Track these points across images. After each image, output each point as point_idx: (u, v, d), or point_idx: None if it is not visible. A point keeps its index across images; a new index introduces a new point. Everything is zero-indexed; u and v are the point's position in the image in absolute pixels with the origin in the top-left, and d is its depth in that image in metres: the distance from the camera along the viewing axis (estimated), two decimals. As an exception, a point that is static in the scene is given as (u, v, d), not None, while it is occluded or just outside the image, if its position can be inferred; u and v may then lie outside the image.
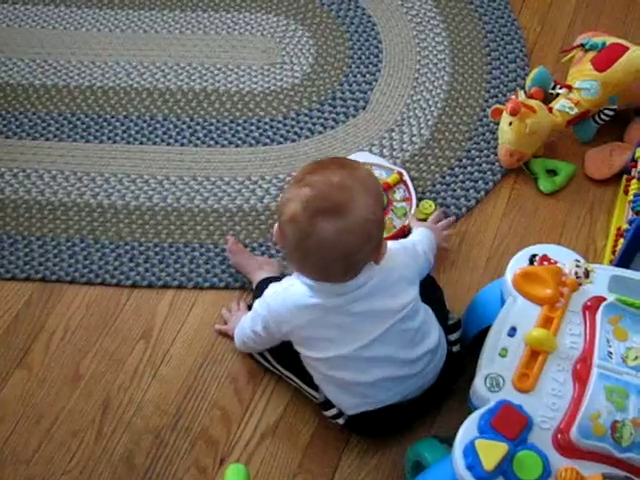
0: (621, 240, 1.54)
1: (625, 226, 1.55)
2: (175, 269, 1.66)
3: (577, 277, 1.22)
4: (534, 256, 1.27)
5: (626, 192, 1.66)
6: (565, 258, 1.26)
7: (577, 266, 1.23)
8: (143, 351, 1.56)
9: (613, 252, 1.57)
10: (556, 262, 1.25)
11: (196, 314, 1.60)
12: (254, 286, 1.56)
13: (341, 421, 1.39)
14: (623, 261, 1.45)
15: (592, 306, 1.19)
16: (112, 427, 1.47)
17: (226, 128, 1.88)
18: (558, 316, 1.18)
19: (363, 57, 2.00)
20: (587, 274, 1.23)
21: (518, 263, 1.26)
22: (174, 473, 1.42)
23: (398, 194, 1.68)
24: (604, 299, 1.19)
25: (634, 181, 1.60)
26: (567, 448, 1.06)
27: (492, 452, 1.03)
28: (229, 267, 1.65)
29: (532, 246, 1.29)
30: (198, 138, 1.86)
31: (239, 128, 1.88)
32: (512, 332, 1.17)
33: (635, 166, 1.63)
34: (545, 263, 1.25)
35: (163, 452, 1.44)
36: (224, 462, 1.42)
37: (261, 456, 1.42)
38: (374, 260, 1.22)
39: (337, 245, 1.15)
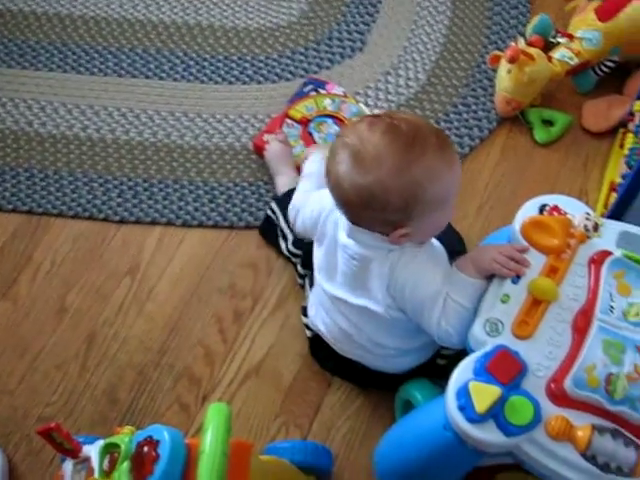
0: (613, 194, 1.53)
1: (619, 180, 1.54)
2: (164, 206, 1.64)
3: (586, 230, 1.21)
4: (544, 206, 1.25)
5: (621, 146, 1.64)
6: (576, 210, 1.24)
7: (587, 219, 1.22)
8: (129, 287, 1.56)
9: (605, 206, 1.56)
10: (566, 213, 1.24)
11: (183, 252, 1.59)
12: (280, 186, 1.59)
13: (309, 333, 1.43)
14: (615, 215, 1.44)
15: (598, 260, 1.18)
16: (96, 361, 1.47)
17: (220, 64, 1.85)
18: (563, 267, 1.17)
19: (362, -4, 1.96)
20: (596, 228, 1.22)
21: (528, 211, 1.24)
22: (156, 409, 1.43)
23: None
24: (611, 254, 1.18)
25: (630, 135, 1.58)
26: (559, 397, 1.07)
27: (485, 395, 1.03)
28: (218, 206, 1.64)
29: (543, 195, 1.27)
30: (191, 74, 1.83)
31: (233, 65, 1.85)
32: (515, 279, 1.16)
33: (632, 120, 1.61)
34: (555, 214, 1.24)
35: (146, 388, 1.45)
36: (206, 400, 1.42)
37: (243, 396, 1.43)
38: (388, 236, 1.18)
39: (339, 183, 1.16)
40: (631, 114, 1.63)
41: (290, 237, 1.51)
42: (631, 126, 1.61)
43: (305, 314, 1.44)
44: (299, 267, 1.49)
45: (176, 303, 1.53)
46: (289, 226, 1.50)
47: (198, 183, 1.67)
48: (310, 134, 1.69)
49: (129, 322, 1.51)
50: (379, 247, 1.20)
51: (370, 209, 1.15)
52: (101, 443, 1.11)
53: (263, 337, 1.48)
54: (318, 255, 1.33)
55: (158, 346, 1.49)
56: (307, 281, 1.46)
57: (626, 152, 1.57)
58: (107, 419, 1.41)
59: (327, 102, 1.73)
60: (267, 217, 1.58)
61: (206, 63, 1.85)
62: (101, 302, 1.54)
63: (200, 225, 1.62)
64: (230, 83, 1.82)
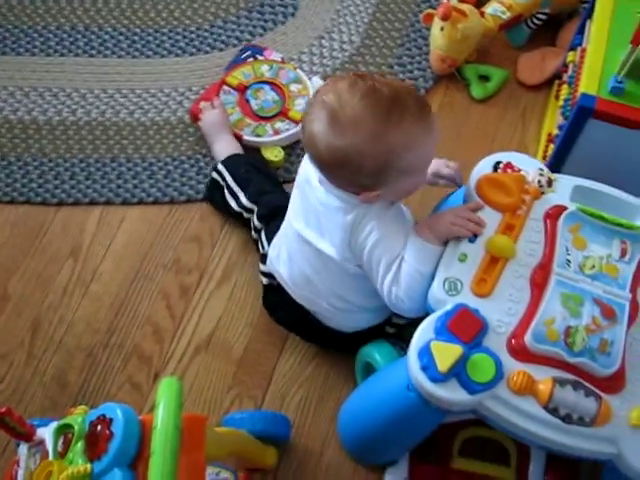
0: (551, 146, 1.54)
1: (555, 132, 1.55)
2: (102, 185, 1.61)
3: (540, 185, 1.22)
4: (498, 163, 1.25)
5: (557, 97, 1.66)
6: (529, 166, 1.25)
7: (540, 174, 1.23)
8: (72, 269, 1.53)
9: (544, 158, 1.57)
10: (520, 170, 1.24)
11: (125, 230, 1.57)
12: (220, 151, 1.58)
13: (265, 281, 1.42)
14: (553, 166, 1.45)
15: (553, 215, 1.19)
16: (43, 347, 1.45)
17: (150, 38, 1.81)
18: (519, 223, 1.18)
19: (292, -39, 1.93)
20: (550, 183, 1.23)
21: (482, 170, 1.24)
22: (108, 390, 1.41)
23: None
24: (565, 208, 1.20)
25: (565, 86, 1.59)
26: (521, 352, 1.08)
27: (447, 354, 1.04)
28: (157, 182, 1.61)
29: (496, 153, 1.27)
30: (122, 49, 1.79)
31: (164, 38, 1.81)
32: (472, 238, 1.16)
33: (566, 71, 1.62)
34: (509, 171, 1.24)
35: (96, 370, 1.43)
36: (158, 378, 1.41)
37: (195, 370, 1.42)
38: (358, 195, 1.18)
39: (313, 141, 1.15)
40: (565, 65, 1.63)
41: (241, 194, 1.50)
42: (565, 77, 1.62)
43: (264, 262, 1.42)
44: (255, 220, 1.47)
45: (121, 282, 1.51)
46: (238, 183, 1.50)
47: (136, 160, 1.64)
48: (247, 101, 1.68)
49: (74, 305, 1.49)
50: (347, 200, 1.20)
51: (343, 170, 1.15)
52: (54, 425, 1.10)
53: (211, 310, 1.48)
54: (294, 191, 1.32)
55: (106, 327, 1.47)
56: (263, 234, 1.44)
57: (561, 103, 1.58)
58: (58, 404, 1.39)
59: (265, 68, 1.72)
60: (212, 180, 1.56)
61: (136, 37, 1.81)
62: (44, 287, 1.51)
63: (140, 202, 1.60)
64: (162, 56, 1.78)
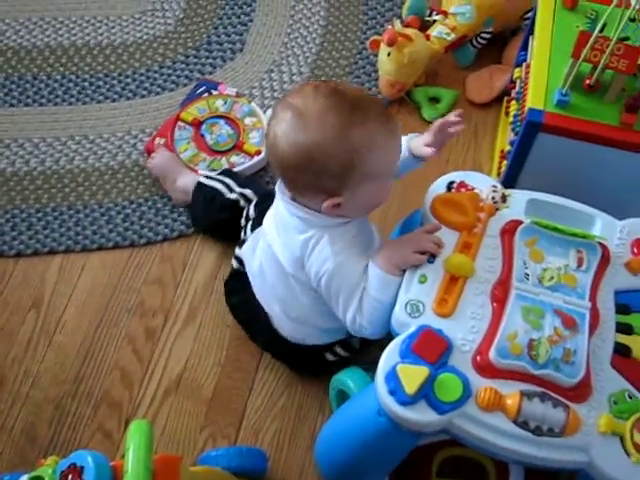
0: (505, 162, 1.56)
1: (507, 148, 1.57)
2: (60, 234, 1.60)
3: (494, 202, 1.23)
4: (452, 183, 1.27)
5: (507, 114, 1.68)
6: (482, 184, 1.26)
7: (494, 191, 1.24)
8: (35, 320, 1.51)
9: (498, 174, 1.59)
10: (473, 188, 1.26)
11: (86, 277, 1.56)
12: (187, 184, 1.58)
13: (235, 265, 1.44)
14: (507, 182, 1.46)
15: (509, 230, 1.20)
16: (9, 402, 1.42)
17: (101, 83, 1.81)
18: (476, 241, 1.19)
19: (236, -3, 1.95)
20: (504, 199, 1.24)
21: (436, 190, 1.25)
22: (79, 440, 1.39)
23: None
24: (521, 222, 1.21)
25: (513, 102, 1.62)
26: (486, 369, 1.08)
27: (413, 376, 1.04)
28: (116, 226, 1.61)
29: (450, 173, 1.29)
30: (72, 96, 1.79)
31: (114, 82, 1.81)
32: (431, 259, 1.17)
33: (514, 87, 1.65)
34: (463, 190, 1.26)
35: (66, 420, 1.40)
36: (129, 423, 1.37)
37: (166, 413, 1.40)
38: (319, 211, 1.19)
39: (277, 143, 1.15)
40: (512, 82, 1.66)
41: (232, 182, 1.52)
42: (513, 93, 1.64)
43: (240, 247, 1.42)
44: (251, 209, 1.46)
45: (86, 330, 1.49)
46: (230, 175, 1.54)
47: (93, 206, 1.64)
48: (202, 136, 1.69)
49: (39, 356, 1.47)
50: (305, 219, 1.20)
51: (306, 173, 1.14)
52: (24, 478, 1.08)
53: (178, 351, 1.46)
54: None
55: (73, 376, 1.45)
56: (250, 224, 1.43)
57: (511, 119, 1.60)
58: (28, 459, 1.36)
59: (219, 103, 1.73)
60: (198, 185, 1.55)
61: (86, 83, 1.81)
62: (7, 340, 1.48)
63: (100, 248, 1.59)
64: (114, 101, 1.78)
